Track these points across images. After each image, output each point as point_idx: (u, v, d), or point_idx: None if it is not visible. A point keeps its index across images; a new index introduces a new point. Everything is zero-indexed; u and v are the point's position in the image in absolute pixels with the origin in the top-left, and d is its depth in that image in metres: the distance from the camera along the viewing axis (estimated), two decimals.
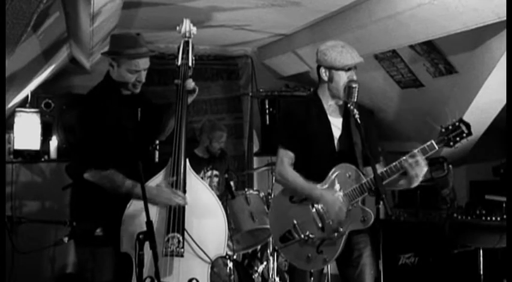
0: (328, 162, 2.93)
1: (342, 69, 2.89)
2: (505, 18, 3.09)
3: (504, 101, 4.20)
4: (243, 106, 6.11)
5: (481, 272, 4.08)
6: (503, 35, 3.65)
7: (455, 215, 4.25)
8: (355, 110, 2.83)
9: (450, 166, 4.67)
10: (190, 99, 3.08)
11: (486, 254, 4.09)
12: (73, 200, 3.08)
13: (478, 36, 3.79)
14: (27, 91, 4.69)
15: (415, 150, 2.75)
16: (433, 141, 2.74)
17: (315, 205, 2.93)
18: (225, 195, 4.23)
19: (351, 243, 2.96)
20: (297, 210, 2.96)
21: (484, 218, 4.07)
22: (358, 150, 2.90)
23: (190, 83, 3.04)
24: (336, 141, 2.98)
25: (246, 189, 4.42)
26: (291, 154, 2.98)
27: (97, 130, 2.88)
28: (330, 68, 2.93)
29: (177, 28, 3.10)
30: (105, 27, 3.85)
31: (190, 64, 3.07)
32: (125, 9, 3.85)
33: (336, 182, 2.90)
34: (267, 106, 5.79)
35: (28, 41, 2.93)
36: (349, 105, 2.87)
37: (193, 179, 2.93)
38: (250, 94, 6.02)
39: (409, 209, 4.78)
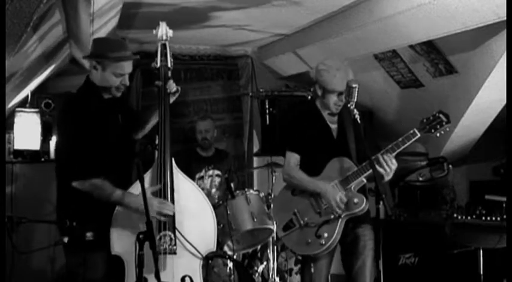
0: (328, 160, 3.24)
1: (332, 92, 3.19)
2: (505, 18, 3.09)
3: (504, 101, 4.20)
4: (243, 106, 6.11)
5: (481, 272, 4.08)
6: (503, 35, 3.65)
7: (455, 215, 4.25)
8: (355, 110, 2.94)
9: (450, 166, 4.68)
10: (171, 100, 3.11)
11: (486, 254, 4.09)
12: (60, 204, 3.00)
13: (478, 36, 3.79)
14: (27, 91, 4.69)
15: (400, 139, 3.00)
16: (415, 129, 3.01)
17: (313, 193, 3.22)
18: (225, 195, 4.23)
19: (357, 234, 3.24)
20: (297, 200, 3.29)
21: (484, 218, 4.07)
22: (353, 149, 3.22)
23: (172, 85, 3.07)
24: (334, 143, 3.29)
25: (246, 189, 4.41)
26: (297, 156, 3.32)
27: (83, 138, 2.82)
28: (323, 88, 3.22)
29: (154, 31, 3.13)
30: (105, 28, 3.86)
31: (169, 65, 3.10)
32: (124, 10, 3.85)
33: (331, 172, 3.20)
34: (267, 106, 5.77)
35: (28, 41, 2.93)
36: (349, 105, 2.95)
37: (180, 178, 2.99)
38: (250, 94, 6.01)
39: (409, 209, 4.77)
